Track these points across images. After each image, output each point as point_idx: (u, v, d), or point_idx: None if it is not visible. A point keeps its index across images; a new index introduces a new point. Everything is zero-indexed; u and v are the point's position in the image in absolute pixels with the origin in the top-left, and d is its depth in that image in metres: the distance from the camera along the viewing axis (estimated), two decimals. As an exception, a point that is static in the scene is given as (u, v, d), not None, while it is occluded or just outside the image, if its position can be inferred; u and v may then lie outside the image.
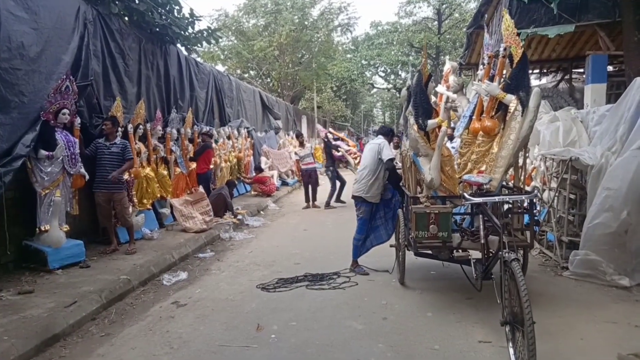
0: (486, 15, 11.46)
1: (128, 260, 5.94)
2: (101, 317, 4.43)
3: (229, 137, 12.22)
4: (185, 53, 10.19)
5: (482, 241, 3.68)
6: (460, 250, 4.13)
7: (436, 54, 36.06)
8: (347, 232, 7.96)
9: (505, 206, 4.31)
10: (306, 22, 23.27)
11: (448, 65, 12.30)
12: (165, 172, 8.19)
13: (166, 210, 8.13)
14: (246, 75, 24.57)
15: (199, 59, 12.46)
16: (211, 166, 10.18)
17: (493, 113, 4.26)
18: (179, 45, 9.86)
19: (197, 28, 9.84)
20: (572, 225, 5.49)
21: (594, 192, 4.88)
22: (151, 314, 4.53)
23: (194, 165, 9.34)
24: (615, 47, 8.95)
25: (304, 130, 24.58)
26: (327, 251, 6.78)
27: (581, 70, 13.49)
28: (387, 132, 9.73)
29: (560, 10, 8.70)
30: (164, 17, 8.91)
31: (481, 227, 3.71)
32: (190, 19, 9.59)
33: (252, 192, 13.10)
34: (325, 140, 12.23)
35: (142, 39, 8.28)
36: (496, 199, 3.35)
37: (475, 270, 3.71)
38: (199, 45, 10.24)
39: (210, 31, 10.00)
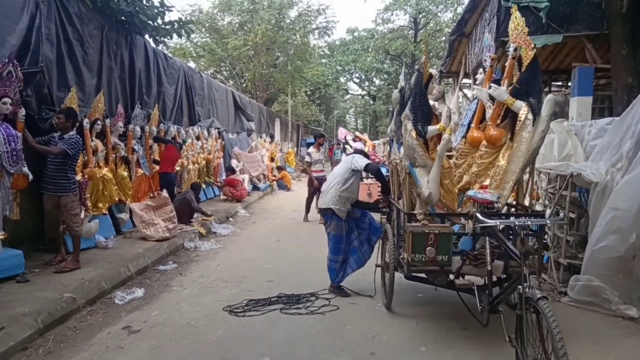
0: (469, 23, 11.16)
1: (76, 274, 5.18)
2: (35, 346, 3.71)
3: (198, 138, 11.49)
4: (153, 45, 9.45)
5: (489, 267, 3.18)
6: (460, 276, 3.63)
7: (412, 62, 36.08)
8: (324, 244, 7.41)
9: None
10: (283, 23, 22.69)
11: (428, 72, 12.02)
12: (126, 174, 7.43)
13: (124, 216, 7.36)
14: (219, 76, 23.77)
15: (168, 53, 11.69)
16: (177, 167, 9.43)
17: (499, 121, 3.79)
18: (146, 36, 9.12)
19: (167, 19, 9.13)
20: (568, 245, 5.09)
21: (598, 211, 4.48)
22: (97, 341, 3.83)
23: (157, 167, 8.59)
24: (601, 60, 8.74)
25: (277, 133, 23.96)
26: (303, 266, 6.19)
27: (559, 83, 13.40)
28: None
29: (548, 19, 8.43)
30: (130, 4, 8.16)
31: (487, 250, 3.22)
32: (160, 9, 8.86)
33: (221, 197, 12.38)
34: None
35: (105, 25, 7.53)
36: (516, 221, 2.86)
37: (481, 302, 3.22)
38: (168, 37, 9.49)
39: (181, 23, 9.29)
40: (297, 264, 6.34)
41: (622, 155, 4.55)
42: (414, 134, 3.58)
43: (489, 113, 3.97)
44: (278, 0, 22.07)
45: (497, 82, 4.52)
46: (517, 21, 3.96)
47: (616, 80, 8.16)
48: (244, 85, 24.64)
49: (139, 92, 8.68)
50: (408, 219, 3.56)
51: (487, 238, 3.23)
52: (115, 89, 7.88)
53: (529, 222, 2.89)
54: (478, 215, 2.89)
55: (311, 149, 9.93)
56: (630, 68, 7.97)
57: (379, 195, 8.31)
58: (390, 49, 33.61)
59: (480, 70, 4.59)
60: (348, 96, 65.71)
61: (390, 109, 41.89)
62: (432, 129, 3.71)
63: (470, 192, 3.36)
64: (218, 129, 13.25)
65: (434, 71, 11.82)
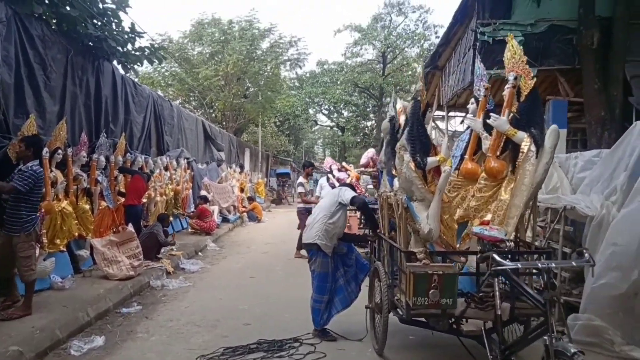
0: (443, 56, 11.29)
1: (25, 321, 4.58)
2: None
3: (166, 168, 10.97)
4: (122, 71, 9.03)
5: (498, 312, 2.89)
6: (463, 320, 3.33)
7: (380, 95, 36.71)
8: (301, 280, 7.01)
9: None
10: (254, 54, 22.63)
11: (400, 104, 12.00)
12: (87, 207, 6.87)
13: (84, 252, 6.76)
14: (188, 106, 23.33)
15: (137, 81, 11.27)
16: (143, 200, 8.88)
17: (498, 153, 3.58)
18: (115, 62, 8.70)
19: (138, 45, 8.76)
20: (561, 282, 4.89)
21: (594, 246, 4.31)
22: (48, 405, 3.29)
23: (123, 199, 8.04)
24: (573, 93, 8.89)
25: (247, 163, 23.53)
26: (281, 306, 5.76)
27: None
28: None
29: (524, 53, 8.53)
30: (99, 28, 7.78)
31: (496, 293, 2.93)
32: (130, 34, 8.50)
33: (189, 230, 11.79)
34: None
35: (71, 50, 7.11)
36: (539, 264, 2.60)
37: (492, 351, 2.90)
38: (139, 64, 9.10)
39: (152, 49, 8.94)
40: (275, 303, 5.89)
41: (615, 188, 4.43)
42: (412, 165, 3.32)
43: (485, 144, 3.77)
44: (250, 31, 22.06)
45: (491, 112, 4.37)
46: (513, 49, 3.83)
47: (589, 114, 8.27)
48: (214, 115, 24.27)
49: (105, 120, 8.20)
50: (407, 258, 3.25)
51: (497, 280, 2.95)
52: (79, 116, 7.40)
53: (554, 265, 2.63)
54: (495, 256, 2.61)
55: (301, 179, 9.41)
56: (603, 102, 8.10)
57: (359, 228, 8.07)
58: (360, 82, 34.09)
59: (472, 100, 4.43)
60: (316, 127, 66.19)
61: (358, 139, 41.95)
62: (431, 160, 3.47)
63: (475, 229, 3.10)
64: (187, 159, 12.78)
65: (406, 103, 11.81)
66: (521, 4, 8.76)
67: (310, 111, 44.15)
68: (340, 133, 50.36)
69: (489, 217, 3.50)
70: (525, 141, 3.37)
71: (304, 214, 8.63)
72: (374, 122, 44.21)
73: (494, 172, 3.49)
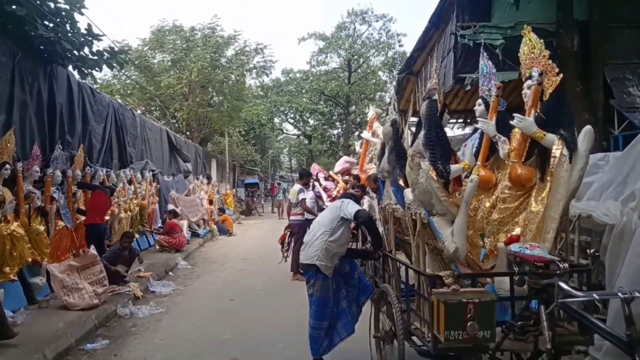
0: (418, 61, 11.03)
1: (-33, 371, 3.83)
2: None
3: (130, 182, 10.17)
4: (78, 77, 8.26)
5: (548, 345, 2.45)
6: (498, 353, 2.88)
7: (346, 103, 36.60)
8: (288, 300, 6.45)
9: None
10: (218, 62, 21.91)
11: (372, 111, 11.59)
12: (42, 228, 6.10)
13: (40, 280, 5.96)
14: (149, 116, 22.31)
15: (95, 88, 10.45)
16: (106, 217, 8.10)
17: (522, 159, 3.17)
18: (70, 67, 7.93)
19: (95, 48, 8.00)
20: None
21: (617, 257, 3.98)
22: None
23: (83, 217, 7.25)
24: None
25: (214, 174, 22.70)
26: (271, 333, 5.18)
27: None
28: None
29: (504, 56, 8.34)
30: (51, 29, 7.03)
31: (544, 323, 2.50)
32: (87, 37, 7.75)
33: (157, 247, 10.98)
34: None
35: (18, 52, 6.36)
36: (619, 293, 2.17)
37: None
38: (97, 69, 8.34)
39: (112, 53, 8.20)
40: (263, 331, 5.31)
41: (633, 194, 4.13)
42: (434, 175, 2.86)
43: (504, 149, 3.36)
44: (213, 39, 21.34)
45: (502, 114, 3.99)
46: (531, 43, 3.45)
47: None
48: (177, 125, 23.33)
49: (60, 131, 7.44)
50: (431, 283, 2.78)
51: (543, 307, 2.52)
52: (30, 126, 6.64)
53: (637, 295, 2.22)
54: (563, 285, 2.18)
55: (297, 186, 8.32)
56: (586, 104, 7.98)
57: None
58: (326, 90, 33.86)
59: (479, 101, 4.04)
60: (282, 136, 65.71)
61: (325, 148, 41.66)
62: (455, 168, 3.02)
63: (514, 248, 2.66)
64: (152, 171, 11.98)
65: (378, 110, 11.39)
66: (500, 7, 8.59)
67: (276, 120, 43.63)
68: (306, 142, 50.06)
69: (517, 231, 3.08)
70: (556, 145, 2.98)
71: (300, 226, 7.86)
72: (340, 130, 44.13)
73: (521, 180, 3.08)
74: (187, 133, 22.32)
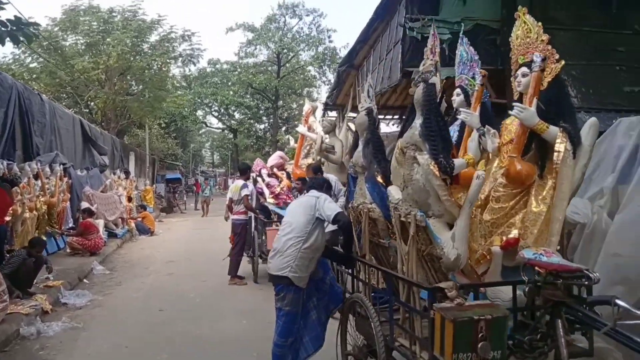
0: (360, 54, 10.73)
1: None
2: None
3: (37, 176, 8.82)
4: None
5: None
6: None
7: (275, 97, 35.92)
8: (227, 309, 5.77)
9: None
10: (140, 48, 20.23)
11: (308, 105, 11.16)
12: None
13: None
14: (59, 103, 20.06)
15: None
16: (7, 218, 6.87)
17: (518, 153, 2.83)
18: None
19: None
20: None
21: (588, 256, 3.83)
22: None
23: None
24: (496, 95, 8.83)
25: (132, 169, 21.02)
26: (213, 353, 4.51)
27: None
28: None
29: (451, 52, 8.24)
30: None
31: (562, 340, 2.16)
32: (-16, 3, 6.45)
33: (68, 250, 9.68)
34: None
35: None
36: None
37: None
38: (-2, 43, 7.00)
39: (19, 23, 6.91)
40: (204, 348, 4.63)
41: (602, 191, 4.01)
42: (436, 170, 2.41)
43: (494, 142, 3.02)
44: (135, 22, 19.64)
45: (485, 105, 3.69)
46: (527, 26, 3.15)
47: (513, 115, 8.22)
48: (91, 115, 21.28)
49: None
50: (432, 297, 2.34)
51: (560, 322, 2.18)
52: None
53: None
54: (621, 303, 1.82)
55: (240, 182, 7.62)
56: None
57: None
58: (254, 83, 32.89)
59: (458, 90, 3.69)
60: (204, 130, 63.44)
61: (252, 142, 40.65)
62: (460, 163, 2.59)
63: (527, 254, 2.30)
64: (63, 164, 10.57)
65: (314, 104, 11.02)
66: (448, 1, 8.49)
67: (199, 112, 41.90)
68: (231, 136, 48.58)
69: (514, 233, 2.74)
70: (559, 138, 2.68)
71: (243, 226, 7.36)
72: (267, 125, 43.29)
73: (522, 177, 2.74)
74: (103, 124, 20.42)
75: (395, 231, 2.88)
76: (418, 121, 2.63)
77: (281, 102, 38.61)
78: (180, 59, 21.89)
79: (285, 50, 33.83)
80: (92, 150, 14.17)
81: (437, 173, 2.40)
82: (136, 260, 9.76)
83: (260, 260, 7.17)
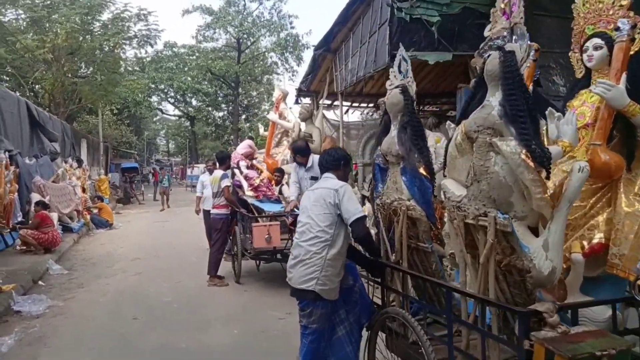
0: (338, 37, 10.16)
1: None
2: None
3: (-22, 164, 7.76)
4: None
5: None
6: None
7: (236, 83, 34.74)
8: (214, 316, 5.10)
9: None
10: (92, 26, 18.71)
11: (278, 91, 10.52)
12: None
13: None
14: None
15: None
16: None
17: (604, 141, 2.38)
18: None
19: None
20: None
21: None
22: None
23: None
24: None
25: (84, 157, 19.59)
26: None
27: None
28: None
29: (440, 35, 7.84)
30: None
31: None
32: None
33: (18, 247, 8.66)
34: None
35: None
36: None
37: None
38: None
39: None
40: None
41: None
42: (529, 161, 1.91)
43: (572, 125, 2.54)
44: (87, -1, 18.08)
45: (536, 84, 3.22)
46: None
47: (503, 103, 7.93)
48: (38, 98, 19.60)
49: None
50: (525, 322, 1.86)
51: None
52: None
53: None
54: None
55: (219, 172, 6.79)
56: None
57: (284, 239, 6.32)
58: (214, 68, 31.56)
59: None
60: (158, 117, 60.97)
61: (210, 130, 39.72)
62: (555, 151, 2.10)
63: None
64: (9, 151, 9.45)
65: (285, 90, 10.37)
66: (437, -19, 8.04)
67: (154, 98, 40.01)
68: (188, 123, 46.81)
69: (599, 237, 2.31)
70: (652, 123, 2.26)
71: (224, 221, 6.64)
72: (226, 112, 41.93)
73: (610, 169, 2.30)
74: (51, 108, 18.82)
75: (449, 235, 2.39)
76: (493, 99, 2.12)
77: (241, 89, 37.42)
78: (136, 40, 20.46)
79: (245, 36, 32.66)
80: (41, 136, 12.92)
81: (531, 164, 1.92)
82: (97, 258, 8.85)
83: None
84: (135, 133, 45.01)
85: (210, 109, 40.23)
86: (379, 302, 3.14)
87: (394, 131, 2.94)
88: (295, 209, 5.43)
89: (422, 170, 2.78)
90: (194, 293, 6.20)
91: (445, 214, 3.03)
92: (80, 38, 17.76)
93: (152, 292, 6.30)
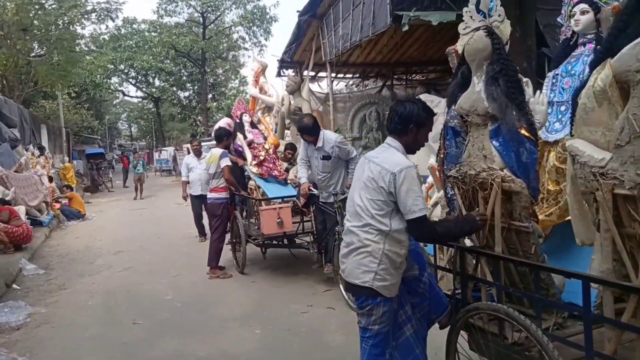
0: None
1: None
2: None
3: None
4: None
5: None
6: None
7: (202, 60, 33.23)
8: (228, 313, 4.44)
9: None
10: (42, 1, 17.11)
11: (256, 63, 9.69)
12: None
13: None
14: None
15: None
16: None
17: None
18: None
19: None
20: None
21: None
22: None
23: None
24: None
25: (46, 144, 18.21)
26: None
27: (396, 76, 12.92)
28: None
29: (440, -12, 7.25)
30: None
31: None
32: None
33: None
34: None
35: None
36: None
37: None
38: None
39: None
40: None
41: None
42: None
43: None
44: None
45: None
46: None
47: (511, 66, 7.45)
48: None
49: None
50: None
51: None
52: None
53: None
54: None
55: (218, 150, 5.88)
56: (524, 51, 7.33)
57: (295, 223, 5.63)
58: (179, 45, 29.95)
59: (583, 6, 2.65)
60: (119, 100, 58.39)
61: (177, 111, 38.31)
62: None
63: None
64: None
65: (264, 62, 9.51)
66: None
67: (115, 80, 37.97)
68: (151, 105, 44.84)
69: None
70: None
71: (224, 206, 5.83)
72: (192, 92, 40.26)
73: None
74: (3, 92, 17.26)
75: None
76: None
77: (206, 67, 35.90)
78: (94, 14, 18.91)
79: (210, 9, 31.07)
80: (-2, 123, 11.70)
81: None
82: (75, 254, 8.00)
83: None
84: (96, 117, 42.84)
85: (175, 89, 38.52)
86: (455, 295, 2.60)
87: (478, 84, 2.36)
88: (313, 189, 4.81)
89: (523, 132, 2.22)
90: (197, 288, 5.54)
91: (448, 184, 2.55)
92: (32, 12, 16.21)
93: (148, 290, 5.60)
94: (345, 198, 4.83)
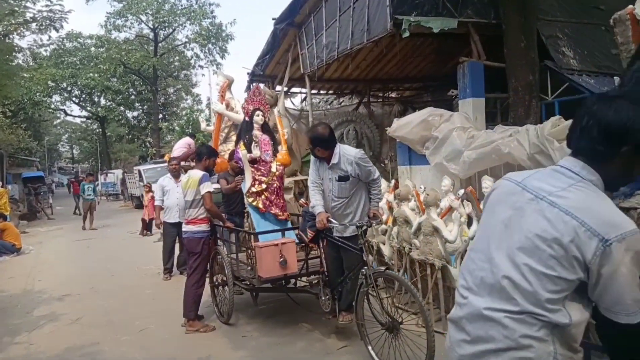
0: (306, 6, 8.54)
1: None
2: None
3: None
4: None
5: None
6: None
7: (154, 77, 31.57)
8: None
9: None
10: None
11: (222, 78, 8.67)
12: None
13: None
14: None
15: None
16: None
17: None
18: None
19: None
20: None
21: None
22: None
23: None
24: (485, 56, 7.36)
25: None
26: None
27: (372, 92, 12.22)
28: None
29: (445, -3, 6.57)
30: None
31: None
32: None
33: None
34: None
35: None
36: None
37: None
38: None
39: None
40: None
41: None
42: None
43: None
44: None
45: None
46: None
47: (515, 78, 6.85)
48: None
49: None
50: None
51: None
52: None
53: None
54: None
55: (198, 173, 4.73)
56: (530, 62, 6.78)
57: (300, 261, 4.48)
58: (129, 61, 28.19)
59: None
60: (59, 120, 55.09)
61: (126, 131, 36.34)
62: None
63: None
64: None
65: (230, 76, 8.43)
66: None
67: (56, 98, 35.50)
68: (96, 125, 42.25)
69: None
70: None
71: (204, 242, 4.70)
72: (140, 112, 38.22)
73: None
74: None
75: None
76: None
77: (157, 86, 34.23)
78: (35, 23, 17.11)
79: (163, 25, 29.62)
80: None
81: None
82: (8, 300, 6.48)
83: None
84: (35, 138, 39.78)
85: (122, 108, 36.45)
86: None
87: None
88: (332, 220, 3.77)
89: None
90: (172, 348, 4.32)
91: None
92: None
93: (108, 353, 4.31)
94: (366, 230, 3.88)
